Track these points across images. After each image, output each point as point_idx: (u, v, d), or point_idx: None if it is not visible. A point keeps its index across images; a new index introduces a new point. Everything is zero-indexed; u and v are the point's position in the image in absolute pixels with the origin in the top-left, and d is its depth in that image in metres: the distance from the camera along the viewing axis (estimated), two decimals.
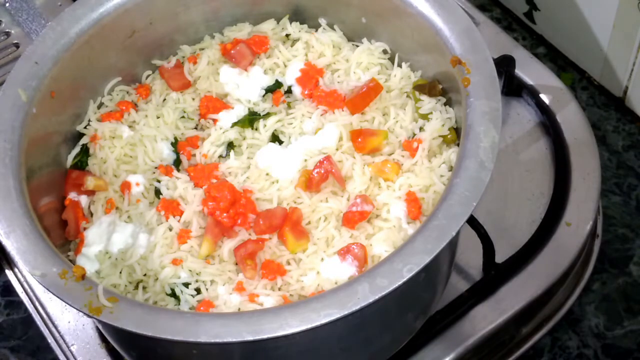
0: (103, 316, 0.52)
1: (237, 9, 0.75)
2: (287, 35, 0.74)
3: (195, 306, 0.60)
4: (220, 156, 0.68)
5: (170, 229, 0.63)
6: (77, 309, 0.53)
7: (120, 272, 0.61)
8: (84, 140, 0.69)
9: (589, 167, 0.75)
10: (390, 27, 0.70)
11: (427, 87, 0.67)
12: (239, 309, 0.59)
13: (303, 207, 0.63)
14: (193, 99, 0.71)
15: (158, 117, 0.70)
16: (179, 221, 0.64)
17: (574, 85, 0.88)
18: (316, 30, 0.74)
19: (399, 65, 0.71)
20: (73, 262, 0.61)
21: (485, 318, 0.68)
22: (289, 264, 0.61)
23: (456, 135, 0.66)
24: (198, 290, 0.61)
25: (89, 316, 0.53)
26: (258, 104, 0.71)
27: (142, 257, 0.62)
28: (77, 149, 0.68)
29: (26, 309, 0.75)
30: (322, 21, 0.74)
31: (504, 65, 0.77)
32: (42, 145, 0.64)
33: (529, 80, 0.80)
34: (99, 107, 0.71)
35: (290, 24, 0.74)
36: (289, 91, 0.71)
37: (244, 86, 0.71)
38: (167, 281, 0.61)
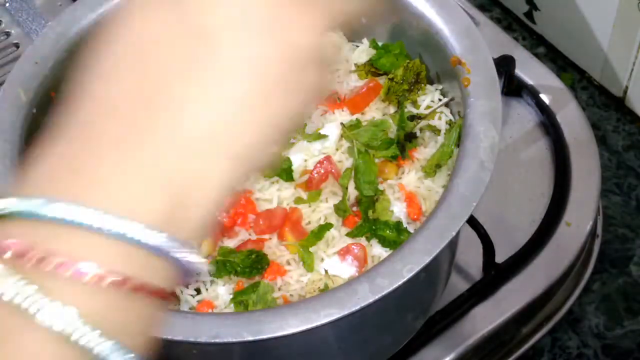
0: None
1: None
2: None
3: (195, 306, 0.60)
4: None
5: None
6: None
7: None
8: None
9: (589, 167, 0.75)
10: (390, 27, 0.70)
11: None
12: None
13: (303, 207, 0.63)
14: None
15: None
16: None
17: (574, 85, 0.88)
18: None
19: None
20: None
21: (485, 318, 0.68)
22: (289, 264, 0.61)
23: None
24: (198, 291, 0.61)
25: None
26: None
27: None
28: None
29: None
30: None
31: (504, 65, 0.77)
32: None
33: (529, 80, 0.80)
34: None
35: None
36: None
37: None
38: None
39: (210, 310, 0.59)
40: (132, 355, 0.28)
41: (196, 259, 0.30)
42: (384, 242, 0.61)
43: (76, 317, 0.27)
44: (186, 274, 0.31)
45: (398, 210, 0.62)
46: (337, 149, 0.66)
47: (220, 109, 0.30)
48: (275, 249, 0.62)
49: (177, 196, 0.29)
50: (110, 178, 0.29)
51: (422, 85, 0.68)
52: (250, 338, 0.50)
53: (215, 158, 0.30)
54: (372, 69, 0.70)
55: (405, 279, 0.51)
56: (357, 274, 0.58)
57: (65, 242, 0.28)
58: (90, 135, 0.30)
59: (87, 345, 0.27)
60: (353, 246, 0.60)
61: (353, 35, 0.74)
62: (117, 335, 0.28)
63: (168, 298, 0.30)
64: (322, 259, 0.60)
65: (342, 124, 0.66)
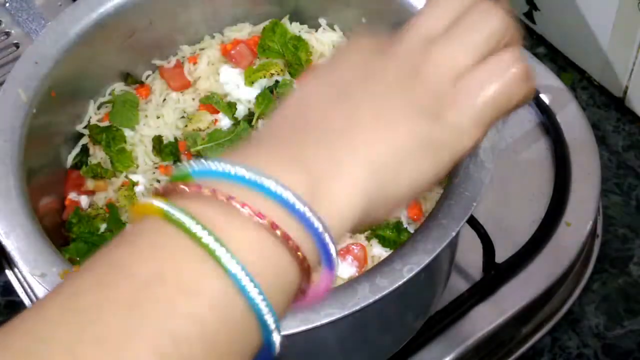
0: None
1: (237, 9, 0.75)
2: None
3: None
4: None
5: None
6: None
7: None
8: (84, 140, 0.69)
9: (589, 167, 0.75)
10: (390, 27, 0.70)
11: None
12: None
13: None
14: (193, 99, 0.71)
15: (158, 117, 0.70)
16: None
17: (574, 85, 0.88)
18: (316, 31, 0.74)
19: None
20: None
21: (485, 318, 0.68)
22: None
23: None
24: None
25: None
26: None
27: None
28: (77, 149, 0.68)
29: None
30: (322, 21, 0.74)
31: None
32: (42, 145, 0.64)
33: None
34: (99, 108, 0.71)
35: (290, 24, 0.74)
36: None
37: (244, 86, 0.71)
38: None
39: None
40: (278, 324, 0.30)
41: (334, 250, 0.32)
42: (384, 242, 0.61)
43: (241, 263, 0.29)
44: (327, 262, 0.32)
45: None
46: None
47: (379, 149, 0.35)
48: None
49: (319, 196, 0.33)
50: (277, 158, 0.33)
51: None
52: None
53: (356, 188, 0.34)
54: None
55: (405, 279, 0.51)
56: (357, 274, 0.58)
57: (241, 197, 0.31)
58: (274, 129, 0.36)
59: (250, 294, 0.29)
60: (353, 246, 0.60)
61: (353, 35, 0.73)
62: (269, 295, 0.30)
63: (308, 275, 0.32)
64: None
65: None
